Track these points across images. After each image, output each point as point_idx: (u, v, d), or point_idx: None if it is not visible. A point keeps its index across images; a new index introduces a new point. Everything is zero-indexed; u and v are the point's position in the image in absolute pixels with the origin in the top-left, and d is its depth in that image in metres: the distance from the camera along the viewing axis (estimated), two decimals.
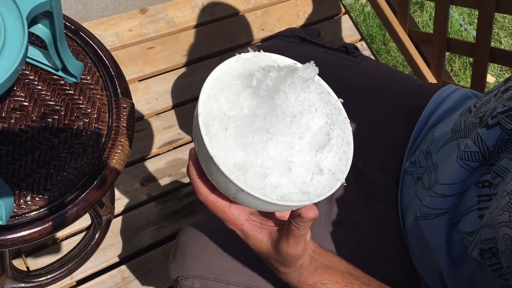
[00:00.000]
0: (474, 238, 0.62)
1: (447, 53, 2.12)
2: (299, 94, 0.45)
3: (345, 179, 0.79)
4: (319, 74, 0.48)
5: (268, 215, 0.56)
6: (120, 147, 0.77)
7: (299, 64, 0.51)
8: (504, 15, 2.34)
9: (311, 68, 0.46)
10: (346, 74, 0.88)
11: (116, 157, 0.76)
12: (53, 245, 1.16)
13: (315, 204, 0.48)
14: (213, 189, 0.51)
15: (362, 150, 0.81)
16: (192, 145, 1.32)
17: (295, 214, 0.48)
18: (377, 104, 0.85)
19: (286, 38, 0.97)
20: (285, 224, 0.51)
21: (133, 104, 0.81)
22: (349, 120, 0.53)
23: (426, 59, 1.47)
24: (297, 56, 0.54)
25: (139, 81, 1.36)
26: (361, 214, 0.78)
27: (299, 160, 0.46)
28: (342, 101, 0.54)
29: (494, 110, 0.63)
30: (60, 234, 1.17)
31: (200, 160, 0.49)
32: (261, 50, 0.52)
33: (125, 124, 0.79)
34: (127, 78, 1.33)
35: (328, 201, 0.79)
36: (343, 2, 1.69)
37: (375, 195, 0.79)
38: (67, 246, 1.16)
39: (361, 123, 0.83)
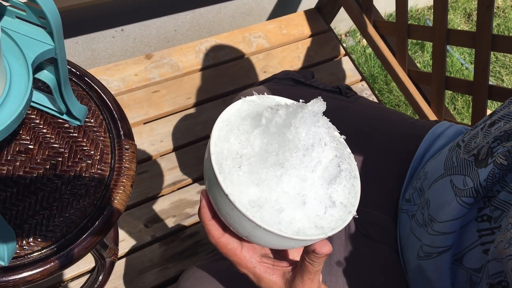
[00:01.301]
0: (483, 274, 0.62)
1: (450, 92, 2.15)
2: (310, 128, 0.47)
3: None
4: None
5: (280, 257, 0.56)
6: (122, 187, 0.79)
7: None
8: (506, 54, 2.37)
9: (320, 103, 0.48)
10: (340, 115, 0.90)
11: (118, 198, 0.78)
12: None
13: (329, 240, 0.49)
14: (224, 231, 0.52)
15: (365, 188, 0.82)
16: (197, 185, 1.34)
17: (309, 250, 0.48)
18: (372, 144, 0.86)
19: (280, 80, 0.99)
20: (299, 262, 0.51)
21: (135, 145, 0.83)
22: (353, 156, 0.55)
23: (427, 98, 1.50)
24: (292, 97, 0.56)
25: (144, 123, 1.39)
26: (361, 254, 0.78)
27: (312, 193, 0.47)
28: (345, 137, 0.56)
29: (490, 149, 0.64)
30: (64, 277, 1.17)
31: (213, 201, 0.49)
32: (265, 93, 0.54)
33: (127, 165, 0.80)
34: (132, 121, 1.36)
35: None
36: (344, 45, 1.73)
37: (374, 235, 0.79)
38: None
39: (357, 162, 0.84)
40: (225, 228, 0.51)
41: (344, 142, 0.55)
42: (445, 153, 0.76)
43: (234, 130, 0.49)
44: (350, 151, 0.55)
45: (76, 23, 1.44)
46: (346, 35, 2.35)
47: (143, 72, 1.45)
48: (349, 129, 0.88)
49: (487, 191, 0.63)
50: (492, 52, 2.44)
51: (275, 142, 0.46)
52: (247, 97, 0.53)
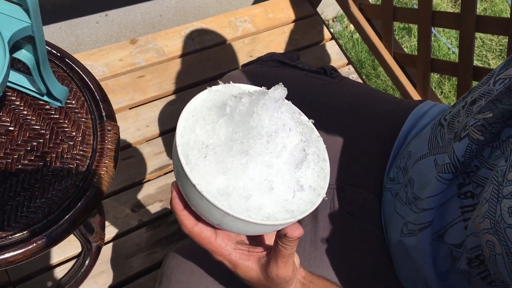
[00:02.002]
0: (463, 249, 0.63)
1: (437, 76, 2.16)
2: (272, 114, 0.47)
3: (329, 198, 0.80)
4: (298, 96, 0.50)
5: (256, 243, 0.56)
6: (104, 168, 0.78)
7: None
8: (492, 37, 2.38)
9: (281, 89, 0.48)
10: (324, 95, 0.90)
11: (100, 179, 0.77)
12: (43, 274, 1.15)
13: (300, 223, 0.49)
14: (197, 220, 0.52)
15: (343, 169, 0.83)
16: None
17: (281, 234, 0.49)
18: (356, 123, 0.87)
19: (265, 62, 0.99)
20: (273, 247, 0.51)
21: (117, 126, 0.83)
22: (322, 138, 0.55)
23: (412, 81, 1.50)
24: (277, 79, 0.56)
25: (129, 109, 1.38)
26: (346, 233, 0.78)
27: (279, 178, 0.48)
28: (313, 121, 0.56)
29: (466, 125, 0.64)
30: (50, 262, 1.17)
31: (183, 191, 0.50)
32: (231, 82, 0.55)
33: (109, 146, 0.80)
34: (118, 106, 1.35)
35: (313, 220, 0.79)
36: (331, 30, 1.73)
37: (358, 213, 0.79)
38: (58, 274, 1.16)
39: (341, 142, 0.84)
40: (198, 217, 0.52)
41: (312, 126, 0.56)
42: (428, 132, 0.76)
43: (200, 121, 0.49)
44: (318, 134, 0.55)
45: (59, 8, 1.43)
46: (333, 20, 2.35)
47: (128, 57, 1.44)
48: (333, 109, 0.88)
49: (465, 166, 0.63)
50: (478, 37, 2.44)
51: (240, 131, 0.47)
52: (212, 86, 0.53)
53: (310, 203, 0.49)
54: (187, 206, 0.51)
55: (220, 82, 0.54)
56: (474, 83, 1.44)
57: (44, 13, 0.65)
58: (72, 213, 0.74)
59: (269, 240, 0.56)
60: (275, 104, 0.48)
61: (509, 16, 1.16)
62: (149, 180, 1.30)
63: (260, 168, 0.47)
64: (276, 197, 0.48)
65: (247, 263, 0.53)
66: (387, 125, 0.86)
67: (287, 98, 0.51)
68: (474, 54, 2.39)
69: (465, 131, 0.63)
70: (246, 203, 0.46)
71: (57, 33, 1.49)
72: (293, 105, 0.54)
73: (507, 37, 1.18)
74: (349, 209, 0.80)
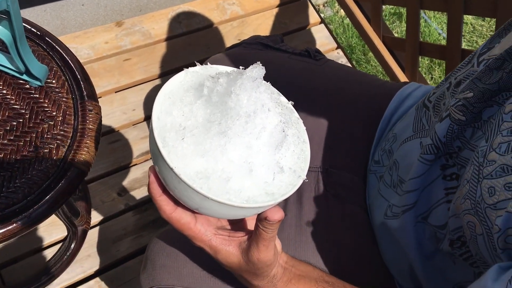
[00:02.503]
0: (446, 230, 0.63)
1: (427, 62, 2.15)
2: (250, 94, 0.46)
3: (314, 181, 0.79)
4: (281, 78, 0.48)
5: (237, 228, 0.55)
6: (85, 148, 0.77)
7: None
8: (482, 23, 2.38)
9: (258, 68, 0.47)
10: (308, 78, 0.89)
11: (81, 159, 0.76)
12: (29, 257, 1.15)
13: (283, 206, 0.48)
14: (176, 206, 0.51)
15: (328, 152, 0.82)
16: None
17: (262, 218, 0.48)
18: (340, 106, 0.86)
19: (249, 45, 0.98)
20: (253, 230, 0.51)
21: (99, 106, 0.82)
22: (301, 120, 0.54)
23: (401, 64, 1.49)
24: (260, 61, 0.55)
25: (115, 92, 1.36)
26: (331, 215, 0.78)
27: (259, 160, 0.47)
28: (293, 103, 0.55)
29: (448, 105, 0.64)
30: (36, 245, 1.16)
31: (160, 176, 0.48)
32: (208, 63, 0.54)
33: (91, 126, 0.79)
34: (103, 89, 1.34)
35: (297, 205, 0.79)
36: (322, 15, 1.71)
37: (343, 195, 0.79)
38: (44, 257, 1.15)
39: (326, 125, 0.84)
40: (177, 202, 0.50)
41: (292, 107, 0.55)
42: (412, 114, 0.75)
43: (177, 103, 0.48)
44: (298, 116, 0.54)
45: None
46: (324, 5, 2.33)
47: (114, 39, 1.42)
48: (317, 92, 0.87)
49: (447, 147, 0.63)
50: (469, 22, 2.43)
51: (217, 111, 0.46)
52: (189, 68, 0.52)
53: (290, 185, 0.48)
54: (165, 191, 0.50)
55: (197, 63, 0.53)
56: None
57: None
58: (53, 193, 0.73)
59: (250, 225, 0.55)
60: (253, 83, 0.46)
61: None
62: (136, 164, 1.29)
63: (240, 149, 0.46)
64: (256, 180, 0.47)
65: (228, 248, 0.52)
66: (371, 107, 0.85)
67: (270, 80, 0.50)
68: (465, 39, 2.39)
69: (447, 111, 0.63)
70: (225, 186, 0.45)
71: (42, 16, 1.46)
72: (272, 86, 0.53)
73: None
74: (334, 191, 0.79)
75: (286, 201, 0.77)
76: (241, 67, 0.50)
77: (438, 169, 0.65)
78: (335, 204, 0.78)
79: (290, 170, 0.49)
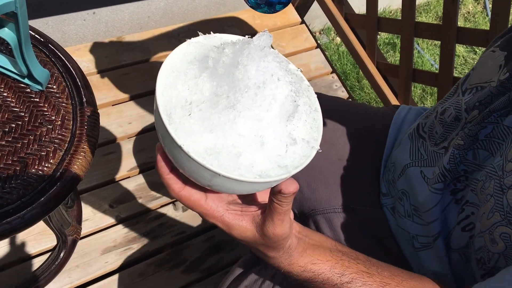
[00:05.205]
0: (471, 249, 0.64)
1: (419, 91, 2.19)
2: (259, 64, 0.44)
3: (338, 222, 0.77)
4: None
5: (248, 201, 0.54)
6: (82, 153, 0.78)
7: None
8: (474, 56, 2.43)
9: (266, 36, 0.45)
10: None
11: (78, 163, 0.77)
12: (17, 266, 1.14)
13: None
14: (185, 183, 0.49)
15: (347, 190, 0.82)
16: None
17: (276, 191, 0.47)
18: (343, 141, 0.86)
19: None
20: (267, 204, 0.49)
21: (98, 113, 0.83)
22: (312, 87, 0.52)
23: (394, 90, 1.53)
24: None
25: (112, 105, 1.38)
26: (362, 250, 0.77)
27: (270, 133, 0.45)
28: (302, 70, 0.53)
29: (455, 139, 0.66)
30: (25, 254, 1.15)
31: (168, 153, 0.46)
32: (211, 32, 0.51)
33: (88, 132, 0.80)
34: (101, 102, 1.35)
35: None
36: (318, 42, 1.75)
37: (371, 231, 0.78)
38: (31, 266, 1.14)
39: (336, 162, 0.84)
40: (186, 180, 0.49)
41: (302, 75, 0.52)
42: (406, 142, 0.77)
43: (181, 76, 0.46)
44: (308, 83, 0.52)
45: (47, 3, 1.43)
46: (320, 33, 2.38)
47: (114, 54, 1.44)
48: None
49: (453, 173, 0.65)
50: (461, 55, 2.48)
51: (225, 84, 0.44)
52: (192, 38, 0.49)
53: (304, 157, 0.47)
54: (173, 169, 0.48)
55: (200, 33, 0.50)
56: None
57: (31, 7, 0.65)
58: (47, 195, 0.74)
59: (262, 198, 0.54)
60: (260, 52, 0.44)
61: (488, 29, 1.20)
62: (129, 177, 1.30)
63: (250, 123, 0.44)
64: (268, 153, 0.45)
65: (241, 223, 0.51)
66: (372, 139, 0.86)
67: None
68: (457, 71, 2.45)
69: (447, 142, 0.66)
70: (237, 161, 0.43)
71: (44, 28, 1.49)
72: (280, 54, 0.50)
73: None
74: (367, 229, 0.78)
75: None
76: (247, 36, 0.48)
77: (449, 195, 0.67)
78: (371, 243, 0.78)
79: (303, 141, 0.47)
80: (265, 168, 0.45)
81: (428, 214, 0.68)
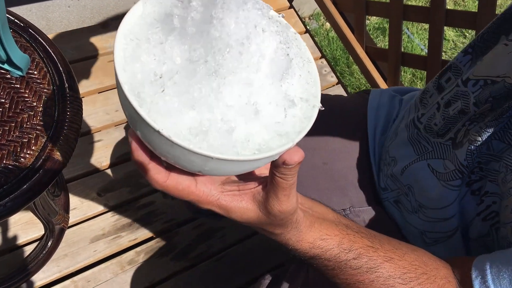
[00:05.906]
0: (493, 237, 0.64)
1: (409, 77, 2.19)
2: (237, 15, 0.36)
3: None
4: None
5: (245, 177, 0.47)
6: (65, 139, 0.77)
7: None
8: (464, 40, 2.43)
9: None
10: None
11: (60, 150, 0.76)
12: (4, 255, 1.13)
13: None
14: (169, 171, 0.42)
15: (341, 192, 0.80)
16: None
17: (278, 163, 0.40)
18: (325, 143, 0.84)
19: None
20: (268, 180, 0.43)
21: (80, 99, 0.82)
22: (299, 35, 0.45)
23: (383, 75, 1.52)
24: None
25: (98, 93, 1.36)
26: None
27: (264, 97, 0.38)
28: (284, 15, 0.45)
29: (467, 131, 0.65)
30: (12, 243, 1.14)
31: (145, 140, 0.38)
32: None
33: (71, 118, 0.79)
34: (87, 89, 1.33)
35: None
36: (308, 27, 1.74)
37: (378, 229, 0.78)
38: (19, 256, 1.13)
39: (322, 167, 0.82)
40: (169, 166, 0.42)
41: (286, 22, 0.44)
42: (404, 135, 0.76)
43: (143, 44, 0.37)
44: (294, 31, 0.44)
45: None
46: (309, 18, 2.37)
47: (99, 41, 1.42)
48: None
49: (470, 168, 0.64)
50: (450, 39, 2.47)
51: (199, 46, 0.36)
52: None
53: (306, 119, 0.40)
54: (153, 156, 0.41)
55: None
56: None
57: None
58: (30, 183, 0.73)
59: (261, 170, 0.48)
60: (238, 0, 0.36)
61: (476, 10, 1.19)
62: (117, 165, 1.29)
63: (238, 89, 0.36)
64: (265, 121, 0.38)
65: (241, 204, 0.45)
66: (352, 135, 0.84)
67: None
68: (446, 55, 2.44)
69: (467, 137, 0.64)
70: (229, 138, 0.36)
71: (28, 15, 1.46)
72: None
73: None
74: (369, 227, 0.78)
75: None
76: None
77: (464, 187, 0.66)
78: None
79: (302, 101, 0.41)
80: (264, 140, 0.38)
81: (445, 210, 0.67)
